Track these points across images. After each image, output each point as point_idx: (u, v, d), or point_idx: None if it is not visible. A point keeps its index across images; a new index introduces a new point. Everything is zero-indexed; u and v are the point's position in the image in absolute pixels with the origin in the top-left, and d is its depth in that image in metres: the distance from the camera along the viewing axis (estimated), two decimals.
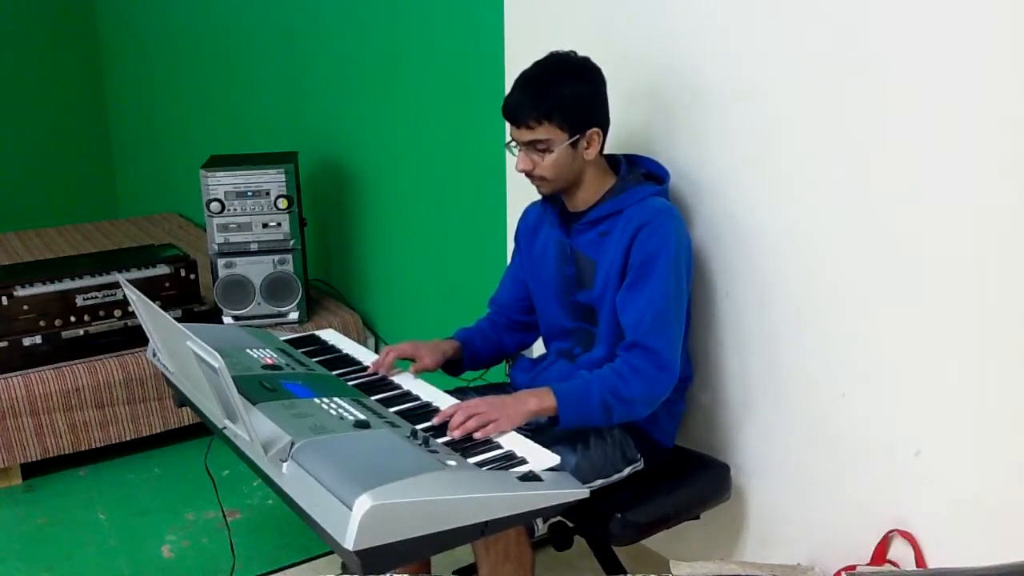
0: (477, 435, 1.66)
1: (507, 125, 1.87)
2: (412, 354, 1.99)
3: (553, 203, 1.99)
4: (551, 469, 1.59)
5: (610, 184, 1.91)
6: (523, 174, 1.88)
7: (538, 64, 1.86)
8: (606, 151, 1.90)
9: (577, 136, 1.82)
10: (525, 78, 1.84)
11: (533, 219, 2.07)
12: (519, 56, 2.42)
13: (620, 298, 1.84)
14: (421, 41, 2.93)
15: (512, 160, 1.89)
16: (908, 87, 1.59)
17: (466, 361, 2.08)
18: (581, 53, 1.87)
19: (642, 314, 1.80)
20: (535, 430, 1.74)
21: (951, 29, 1.51)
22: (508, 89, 1.86)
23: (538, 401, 1.73)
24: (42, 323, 2.92)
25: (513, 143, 1.87)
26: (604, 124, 1.87)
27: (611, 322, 1.88)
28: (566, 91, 1.80)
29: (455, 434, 1.67)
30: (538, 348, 2.22)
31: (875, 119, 1.65)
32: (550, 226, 2.00)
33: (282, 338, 2.18)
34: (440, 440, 1.63)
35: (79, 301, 2.97)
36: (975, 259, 1.54)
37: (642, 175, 1.95)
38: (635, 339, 1.80)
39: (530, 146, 1.83)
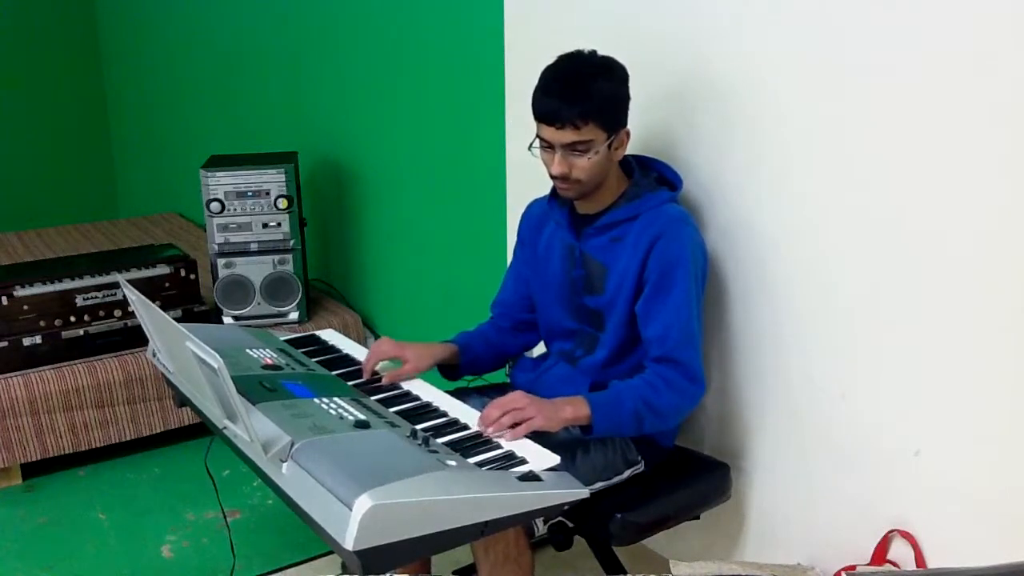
0: (508, 435, 1.66)
1: (529, 127, 1.81)
2: (397, 356, 1.96)
3: (560, 203, 1.95)
4: (551, 469, 1.59)
5: (623, 188, 1.89)
6: (559, 178, 1.80)
7: (567, 61, 1.79)
8: None
9: (612, 137, 1.79)
10: (561, 76, 1.76)
11: (537, 216, 2.05)
12: (519, 56, 2.43)
13: (642, 309, 1.83)
14: (421, 41, 2.93)
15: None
16: (915, 95, 1.59)
17: (464, 366, 2.05)
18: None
19: (669, 327, 1.79)
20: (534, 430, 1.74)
21: (954, 33, 1.51)
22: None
23: (573, 410, 1.73)
24: (42, 323, 2.91)
25: (539, 144, 1.81)
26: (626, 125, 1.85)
27: (620, 328, 1.87)
28: (606, 90, 1.75)
29: (489, 431, 1.67)
30: (538, 347, 2.21)
31: (892, 129, 1.64)
32: (556, 226, 1.97)
33: (282, 338, 2.17)
34: (440, 440, 1.63)
35: (79, 301, 2.97)
36: (975, 260, 1.55)
37: (655, 179, 1.92)
38: (664, 353, 1.79)
39: (569, 147, 1.76)
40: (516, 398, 1.71)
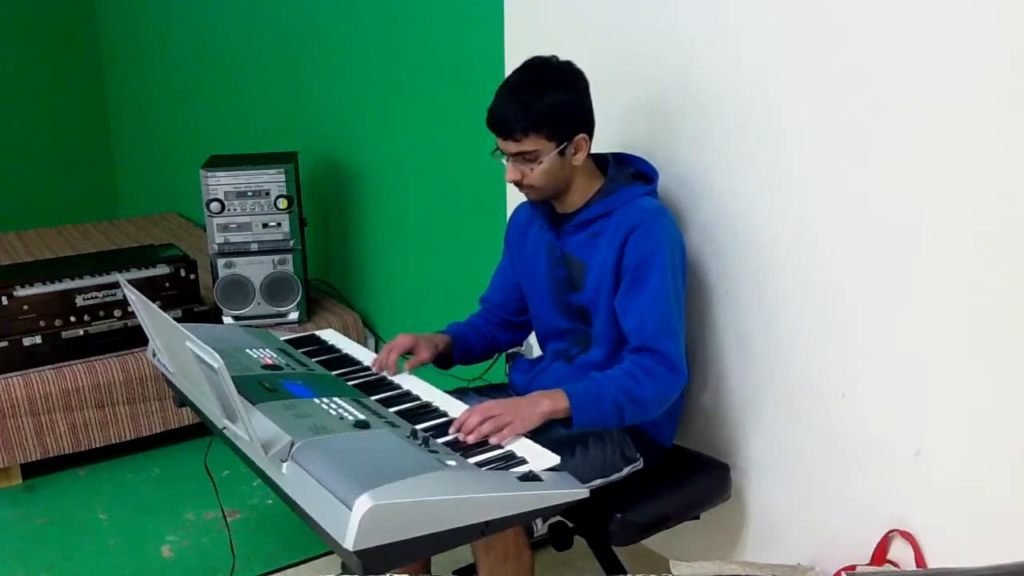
0: (492, 440, 1.64)
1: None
2: (411, 347, 1.98)
3: (542, 204, 1.96)
4: (551, 469, 1.59)
5: (599, 185, 1.90)
6: (513, 184, 1.85)
7: (520, 72, 1.82)
8: (595, 149, 1.88)
9: (564, 144, 1.80)
10: (508, 88, 1.80)
11: (523, 219, 2.06)
12: (519, 57, 2.43)
13: (619, 302, 1.83)
14: (421, 41, 2.93)
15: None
16: (906, 90, 1.59)
17: (457, 356, 2.07)
18: (580, 57, 1.85)
19: (645, 318, 1.79)
20: (534, 430, 1.74)
21: (951, 32, 1.51)
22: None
23: (551, 403, 1.72)
24: (42, 323, 2.92)
25: (499, 152, 1.85)
26: (590, 128, 1.85)
27: (607, 324, 1.88)
28: (551, 100, 1.76)
29: (470, 439, 1.64)
30: (536, 348, 2.22)
31: (874, 123, 1.65)
32: (540, 227, 1.99)
33: (282, 338, 2.18)
34: (440, 440, 1.63)
35: (79, 301, 2.97)
36: (974, 259, 1.55)
37: (631, 174, 1.93)
38: (642, 343, 1.79)
39: (518, 157, 1.80)
40: (491, 405, 1.69)
